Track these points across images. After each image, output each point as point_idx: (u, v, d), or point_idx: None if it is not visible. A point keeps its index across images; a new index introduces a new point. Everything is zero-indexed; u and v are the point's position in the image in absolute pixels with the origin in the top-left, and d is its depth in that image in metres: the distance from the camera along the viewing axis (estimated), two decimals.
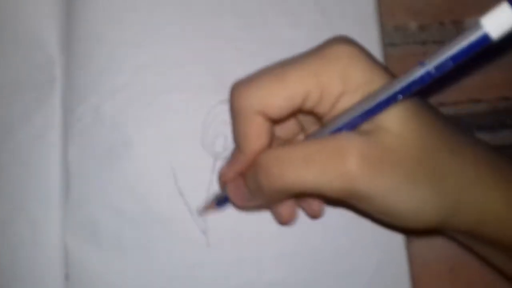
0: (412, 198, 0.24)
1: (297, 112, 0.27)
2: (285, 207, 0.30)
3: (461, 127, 0.28)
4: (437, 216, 0.25)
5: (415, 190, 0.24)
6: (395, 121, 0.24)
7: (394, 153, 0.24)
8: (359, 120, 0.24)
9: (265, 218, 0.33)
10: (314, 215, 0.31)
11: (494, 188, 0.26)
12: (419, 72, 0.22)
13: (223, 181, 0.30)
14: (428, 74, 0.22)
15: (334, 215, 0.33)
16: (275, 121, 0.27)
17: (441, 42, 0.37)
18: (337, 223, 0.33)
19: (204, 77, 0.34)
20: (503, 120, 0.36)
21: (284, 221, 0.31)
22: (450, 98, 0.36)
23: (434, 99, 0.36)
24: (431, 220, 0.25)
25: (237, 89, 0.26)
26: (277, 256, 0.33)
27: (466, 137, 0.27)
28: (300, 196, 0.30)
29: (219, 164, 0.33)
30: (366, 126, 0.25)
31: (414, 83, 0.23)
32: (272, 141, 0.28)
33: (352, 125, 0.25)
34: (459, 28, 0.37)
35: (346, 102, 0.25)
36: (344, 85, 0.25)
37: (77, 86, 0.34)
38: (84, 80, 0.34)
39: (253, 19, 0.35)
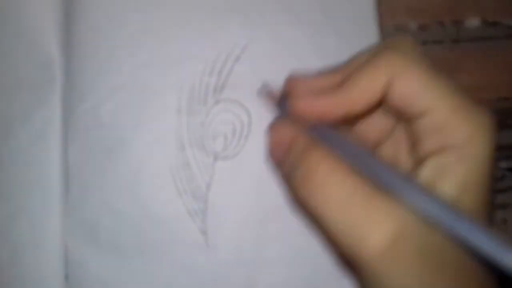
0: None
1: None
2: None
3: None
4: None
5: None
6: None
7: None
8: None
9: (264, 218, 0.33)
10: None
11: None
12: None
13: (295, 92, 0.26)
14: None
15: None
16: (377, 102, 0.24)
17: (441, 42, 0.37)
18: None
19: (204, 76, 0.34)
20: (503, 120, 0.36)
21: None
22: None
23: None
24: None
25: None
26: (277, 257, 0.33)
27: None
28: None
29: (219, 164, 0.33)
30: None
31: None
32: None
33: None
34: (459, 28, 0.37)
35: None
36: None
37: (77, 86, 0.34)
38: (84, 80, 0.34)
39: (253, 17, 0.35)
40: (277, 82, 0.34)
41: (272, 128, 0.26)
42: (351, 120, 0.25)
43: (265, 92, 0.29)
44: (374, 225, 0.21)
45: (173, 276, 0.32)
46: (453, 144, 0.22)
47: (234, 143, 0.34)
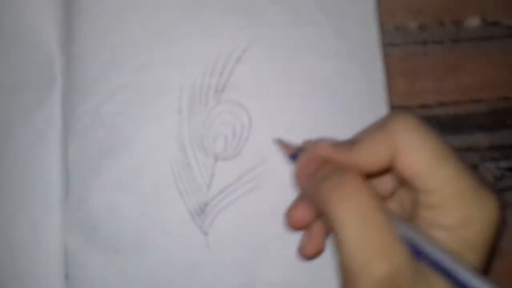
0: None
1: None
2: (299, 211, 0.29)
3: None
4: None
5: None
6: None
7: None
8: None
9: (264, 219, 0.33)
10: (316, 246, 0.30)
11: None
12: None
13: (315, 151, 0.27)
14: None
15: None
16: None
17: (441, 42, 0.37)
18: None
19: (205, 77, 0.34)
20: (503, 120, 0.36)
21: (289, 223, 0.30)
22: (450, 98, 0.36)
23: (434, 99, 0.36)
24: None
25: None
26: (277, 257, 0.33)
27: None
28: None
29: (220, 164, 0.33)
30: None
31: None
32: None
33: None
34: (459, 28, 0.37)
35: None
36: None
37: (77, 86, 0.34)
38: (84, 80, 0.34)
39: (254, 19, 0.35)
40: (277, 83, 0.34)
41: (305, 155, 0.28)
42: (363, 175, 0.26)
43: (281, 143, 0.32)
44: (378, 258, 0.22)
45: (174, 276, 0.32)
46: (444, 224, 0.23)
47: (235, 144, 0.34)
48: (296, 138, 0.34)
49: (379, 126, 0.25)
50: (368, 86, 0.34)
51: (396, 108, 0.36)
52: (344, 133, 0.34)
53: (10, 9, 0.35)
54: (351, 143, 0.25)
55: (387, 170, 0.25)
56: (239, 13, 0.35)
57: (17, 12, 0.35)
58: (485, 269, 0.24)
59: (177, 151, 0.33)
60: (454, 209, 0.23)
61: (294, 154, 0.30)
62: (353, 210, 0.23)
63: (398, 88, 0.36)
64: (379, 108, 0.34)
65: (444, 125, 0.36)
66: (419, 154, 0.24)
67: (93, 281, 0.32)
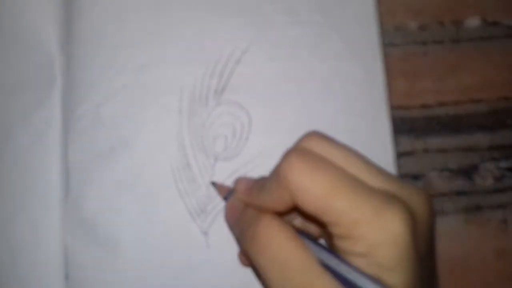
0: None
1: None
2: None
3: None
4: None
5: None
6: None
7: None
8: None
9: None
10: None
11: None
12: None
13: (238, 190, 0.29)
14: None
15: None
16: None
17: (441, 42, 0.37)
18: None
19: (205, 78, 0.34)
20: (503, 120, 0.36)
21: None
22: (450, 98, 0.36)
23: (434, 99, 0.36)
24: None
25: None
26: None
27: None
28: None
29: (220, 165, 0.33)
30: None
31: None
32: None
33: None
34: (459, 28, 0.37)
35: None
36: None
37: (77, 86, 0.34)
38: (84, 80, 0.34)
39: (254, 18, 0.35)
40: (277, 84, 0.34)
41: (229, 200, 0.30)
42: (284, 214, 0.26)
43: (216, 186, 0.33)
44: None
45: (173, 276, 0.32)
46: (357, 252, 0.23)
47: (234, 144, 0.34)
48: (296, 138, 0.34)
49: (274, 171, 0.25)
50: (368, 86, 0.34)
51: (396, 108, 0.36)
52: (344, 133, 0.34)
53: (10, 9, 0.35)
54: (261, 185, 0.26)
55: (294, 209, 0.25)
56: (239, 13, 0.35)
57: (17, 12, 0.35)
58: (430, 280, 0.24)
59: (177, 151, 0.33)
60: (360, 238, 0.23)
61: (228, 195, 0.31)
62: (271, 261, 0.24)
63: (398, 88, 0.36)
64: (379, 108, 0.34)
65: (444, 125, 0.36)
66: (310, 194, 0.23)
67: (93, 281, 0.32)
